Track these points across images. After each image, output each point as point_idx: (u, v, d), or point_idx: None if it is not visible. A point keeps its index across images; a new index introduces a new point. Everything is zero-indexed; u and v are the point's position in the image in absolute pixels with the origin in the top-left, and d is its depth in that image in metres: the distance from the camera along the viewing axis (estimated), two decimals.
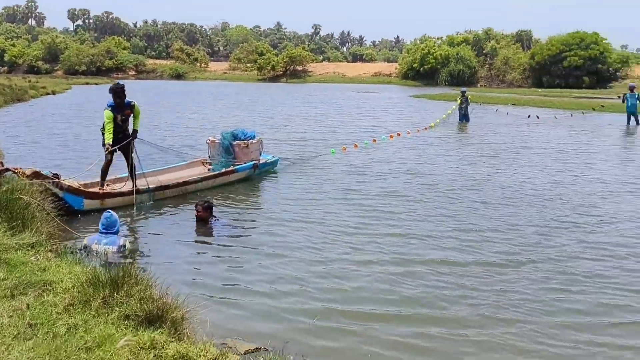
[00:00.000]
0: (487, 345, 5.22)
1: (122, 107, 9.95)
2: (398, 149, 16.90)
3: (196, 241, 8.24)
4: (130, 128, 10.27)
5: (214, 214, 8.83)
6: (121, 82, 10.96)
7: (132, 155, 10.20)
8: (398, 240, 8.14)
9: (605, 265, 7.22)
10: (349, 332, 5.42)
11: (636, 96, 24.34)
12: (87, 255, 6.74)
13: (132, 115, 10.19)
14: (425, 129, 22.19)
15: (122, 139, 10.01)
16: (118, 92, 9.85)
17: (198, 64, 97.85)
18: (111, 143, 9.76)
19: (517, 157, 15.66)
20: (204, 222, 8.68)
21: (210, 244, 8.08)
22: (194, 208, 8.82)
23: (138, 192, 9.90)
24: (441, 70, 60.40)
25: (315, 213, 9.58)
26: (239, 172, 12.14)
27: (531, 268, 7.09)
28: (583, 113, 29.57)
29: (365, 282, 6.63)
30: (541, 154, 16.24)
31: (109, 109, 9.81)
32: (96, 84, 59.61)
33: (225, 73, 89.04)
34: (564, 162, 15.10)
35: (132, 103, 10.12)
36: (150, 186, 10.22)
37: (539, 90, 47.69)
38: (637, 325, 5.68)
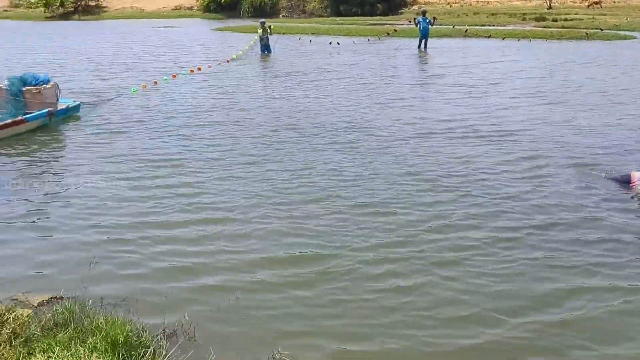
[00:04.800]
0: None
1: None
2: (200, 84, 16.63)
3: None
4: None
5: None
6: None
7: None
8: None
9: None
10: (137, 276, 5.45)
11: (427, 20, 26.09)
12: None
13: None
14: (227, 61, 21.90)
15: None
16: None
17: None
18: None
19: (320, 83, 16.31)
20: None
21: None
22: None
23: None
24: (243, 1, 59.73)
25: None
26: (30, 122, 11.13)
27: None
28: (379, 38, 31.09)
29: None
30: (343, 80, 16.99)
31: None
32: None
33: (6, 11, 79.29)
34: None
35: None
36: None
37: (337, 19, 49.23)
38: None
